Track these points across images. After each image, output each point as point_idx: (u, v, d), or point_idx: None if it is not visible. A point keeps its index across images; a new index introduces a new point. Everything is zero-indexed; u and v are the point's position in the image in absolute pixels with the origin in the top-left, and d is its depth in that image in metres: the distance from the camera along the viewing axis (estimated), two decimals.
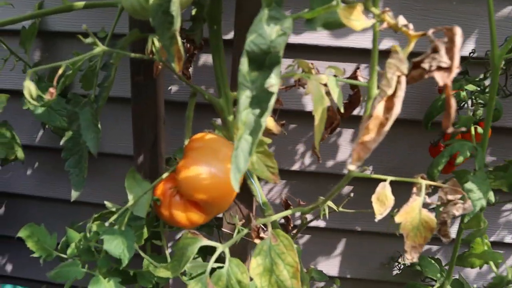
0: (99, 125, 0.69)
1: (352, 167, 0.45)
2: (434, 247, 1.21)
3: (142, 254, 0.74)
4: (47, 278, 1.41)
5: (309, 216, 0.85)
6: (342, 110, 0.53)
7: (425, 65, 0.40)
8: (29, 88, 0.51)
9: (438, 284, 0.97)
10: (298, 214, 1.18)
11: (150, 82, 0.85)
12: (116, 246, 0.65)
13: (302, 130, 1.08)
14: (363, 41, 0.98)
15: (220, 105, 0.72)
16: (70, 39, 1.07)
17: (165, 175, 0.68)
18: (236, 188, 0.41)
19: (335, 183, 1.14)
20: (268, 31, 0.41)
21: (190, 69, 0.94)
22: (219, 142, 0.67)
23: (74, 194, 0.78)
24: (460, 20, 0.96)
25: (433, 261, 1.02)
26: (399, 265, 1.21)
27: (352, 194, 0.75)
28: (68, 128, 0.81)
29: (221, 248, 0.59)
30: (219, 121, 0.78)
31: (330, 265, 1.24)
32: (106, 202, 0.85)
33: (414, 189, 0.64)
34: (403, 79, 0.42)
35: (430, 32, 0.40)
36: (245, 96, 0.43)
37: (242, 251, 0.90)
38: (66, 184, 1.23)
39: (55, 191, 1.24)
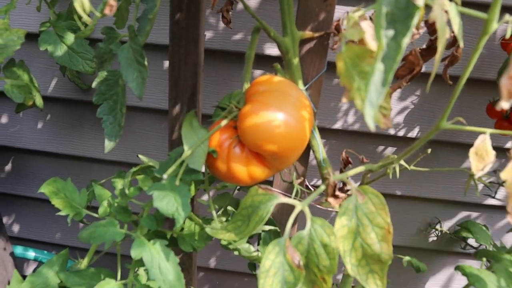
0: (146, 62, 0.59)
1: (505, 104, 0.36)
2: (474, 214, 1.14)
3: (191, 214, 0.66)
4: (57, 240, 1.34)
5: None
6: (461, 44, 0.43)
7: None
8: (82, 0, 0.40)
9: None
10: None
11: (192, 22, 0.74)
12: (168, 204, 0.56)
13: None
14: None
15: (285, 45, 0.62)
16: None
17: (223, 122, 0.58)
18: (372, 126, 0.32)
19: (378, 144, 1.07)
20: None
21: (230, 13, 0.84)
22: (289, 85, 0.57)
23: (108, 145, 0.69)
24: None
25: (484, 228, 0.95)
26: (437, 232, 1.15)
27: (429, 150, 0.67)
28: (96, 71, 0.70)
29: (300, 206, 0.51)
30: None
31: None
32: (140, 156, 0.76)
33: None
34: None
35: None
36: (380, 14, 0.33)
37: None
38: (82, 139, 1.13)
39: (70, 146, 1.14)
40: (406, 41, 0.33)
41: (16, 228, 1.33)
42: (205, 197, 1.17)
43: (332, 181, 0.55)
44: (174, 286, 0.61)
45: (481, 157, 0.54)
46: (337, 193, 0.57)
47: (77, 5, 0.40)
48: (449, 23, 0.50)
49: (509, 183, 0.53)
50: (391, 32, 0.34)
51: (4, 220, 1.32)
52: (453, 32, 0.66)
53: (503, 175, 0.53)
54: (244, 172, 0.59)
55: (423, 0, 0.33)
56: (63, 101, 1.09)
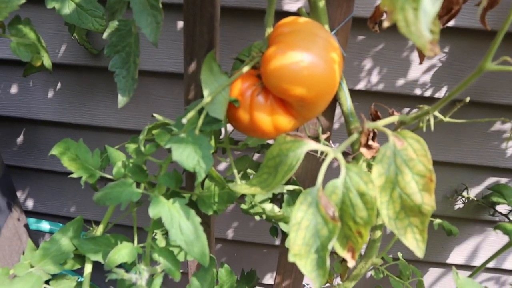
0: (160, 5, 0.54)
1: None
2: (503, 180, 1.09)
3: (212, 171, 0.62)
4: (72, 214, 1.31)
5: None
6: None
7: None
8: None
9: None
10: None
11: None
12: (188, 157, 0.52)
13: (370, 42, 0.93)
14: None
15: None
16: None
17: (245, 68, 0.54)
18: (428, 35, 0.28)
19: (403, 105, 1.02)
20: None
21: None
22: (316, 25, 0.52)
23: (121, 100, 0.64)
24: None
25: None
26: (463, 199, 1.10)
27: (468, 99, 0.62)
28: (103, 29, 0.66)
29: (333, 154, 0.46)
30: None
31: None
32: (155, 115, 0.72)
33: None
34: None
35: None
36: None
37: None
38: (94, 107, 1.09)
39: (82, 115, 1.11)
40: None
41: (30, 202, 1.31)
42: (222, 166, 1.14)
43: (366, 128, 0.50)
44: (197, 246, 0.57)
45: None
46: (370, 142, 0.52)
47: None
48: None
49: None
50: None
51: (18, 194, 1.30)
52: None
53: None
54: (269, 122, 0.54)
55: None
56: (73, 68, 1.05)
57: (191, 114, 0.50)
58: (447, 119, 0.65)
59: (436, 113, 0.65)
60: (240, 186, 0.53)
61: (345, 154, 0.91)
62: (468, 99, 0.60)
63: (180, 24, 0.96)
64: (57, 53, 1.03)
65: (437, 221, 0.85)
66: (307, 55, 0.48)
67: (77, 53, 1.02)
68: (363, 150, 0.53)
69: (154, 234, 0.73)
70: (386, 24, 0.38)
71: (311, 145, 0.46)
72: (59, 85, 1.08)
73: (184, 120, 0.50)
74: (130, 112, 1.07)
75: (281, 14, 0.90)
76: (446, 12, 0.58)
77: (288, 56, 0.48)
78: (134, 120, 1.08)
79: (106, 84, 1.06)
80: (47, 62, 0.79)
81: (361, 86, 0.96)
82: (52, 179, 1.26)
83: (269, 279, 1.32)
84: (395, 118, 0.56)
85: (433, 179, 0.46)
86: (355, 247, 0.48)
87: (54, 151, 0.70)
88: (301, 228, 0.44)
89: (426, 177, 0.46)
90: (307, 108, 0.53)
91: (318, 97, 0.51)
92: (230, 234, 1.23)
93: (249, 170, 0.78)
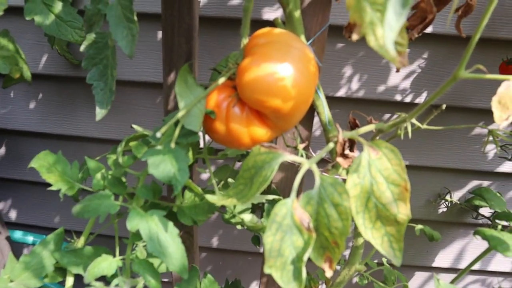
0: (135, 17, 0.54)
1: None
2: (485, 182, 1.10)
3: (190, 183, 0.62)
4: (55, 225, 1.30)
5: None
6: None
7: None
8: None
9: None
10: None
11: None
12: (164, 170, 0.51)
13: (350, 50, 0.93)
14: None
15: None
16: None
17: (221, 80, 0.54)
18: (392, 52, 0.28)
19: (383, 111, 1.02)
20: None
21: None
22: (291, 36, 0.53)
23: (99, 113, 0.64)
24: None
25: (498, 194, 0.91)
26: (446, 203, 1.11)
27: (444, 106, 0.62)
28: (83, 40, 0.66)
29: (307, 164, 0.46)
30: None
31: None
32: (134, 126, 0.71)
33: None
34: None
35: None
36: None
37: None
38: (76, 118, 1.08)
39: (63, 126, 1.10)
40: None
41: (13, 213, 1.29)
42: (204, 175, 1.13)
43: (342, 138, 0.50)
44: (175, 259, 0.57)
45: (504, 105, 0.50)
46: (346, 152, 0.53)
47: None
48: None
49: None
50: None
51: (1, 205, 1.28)
52: None
53: None
54: (245, 134, 0.54)
55: None
56: (54, 78, 1.04)
57: (165, 128, 0.49)
58: (424, 126, 0.65)
59: (414, 121, 0.66)
60: (217, 198, 0.53)
61: (325, 162, 0.91)
62: (444, 106, 0.61)
63: (160, 34, 0.96)
64: (38, 64, 1.02)
65: (419, 226, 0.86)
66: (282, 67, 0.49)
67: (58, 64, 1.01)
68: (339, 159, 0.53)
69: (134, 246, 0.73)
70: (355, 37, 0.38)
71: (286, 156, 0.46)
72: (40, 95, 1.08)
73: (159, 134, 0.50)
74: (111, 122, 1.07)
75: (260, 23, 0.91)
76: (420, 21, 0.59)
77: (262, 67, 0.49)
78: (115, 130, 1.07)
79: (87, 94, 1.06)
80: (26, 73, 0.78)
81: (341, 93, 0.96)
82: (35, 190, 1.25)
83: (255, 287, 1.32)
84: (371, 126, 0.56)
85: (408, 188, 0.46)
86: (332, 257, 0.48)
87: (34, 163, 0.70)
88: (276, 239, 0.44)
89: (401, 186, 0.46)
90: (283, 119, 0.53)
91: (293, 109, 0.51)
92: (214, 242, 1.23)
93: (230, 180, 0.78)
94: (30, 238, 1.19)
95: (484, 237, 0.58)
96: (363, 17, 0.37)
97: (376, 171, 0.46)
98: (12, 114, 1.10)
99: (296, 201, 0.44)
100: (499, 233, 0.57)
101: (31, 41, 1.01)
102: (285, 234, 0.44)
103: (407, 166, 1.07)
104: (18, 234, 1.18)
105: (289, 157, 0.46)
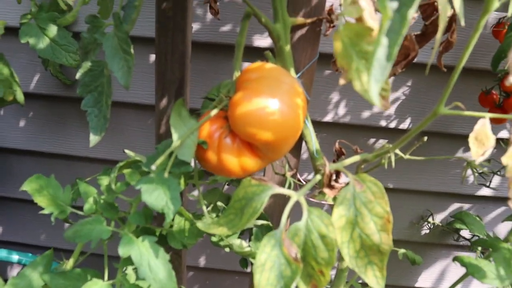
0: (132, 50, 0.56)
1: None
2: (466, 205, 1.14)
3: (181, 209, 0.63)
4: (43, 242, 1.29)
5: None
6: (462, 23, 0.42)
7: None
8: None
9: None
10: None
11: (179, 11, 0.71)
12: (157, 198, 0.53)
13: (337, 77, 0.97)
14: None
15: (277, 32, 0.59)
16: None
17: (213, 112, 0.56)
18: (378, 103, 0.31)
19: (369, 136, 1.06)
20: None
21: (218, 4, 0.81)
22: (282, 72, 0.55)
23: (93, 139, 0.66)
24: None
25: (478, 218, 0.94)
26: (429, 225, 1.14)
27: (425, 138, 0.65)
28: (80, 62, 0.67)
29: (296, 196, 0.48)
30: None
31: None
32: (126, 151, 0.73)
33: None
34: None
35: None
36: None
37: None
38: (67, 137, 1.09)
39: (54, 144, 1.10)
40: (411, 12, 0.31)
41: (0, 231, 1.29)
42: (195, 193, 1.15)
43: (328, 170, 0.53)
44: (165, 284, 0.58)
45: (481, 142, 0.53)
46: (333, 183, 0.55)
47: None
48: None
49: (509, 168, 0.52)
50: (395, 4, 0.32)
51: None
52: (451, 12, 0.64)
53: (504, 160, 0.52)
54: (236, 164, 0.56)
55: None
56: (46, 98, 1.06)
57: (160, 160, 0.51)
58: (407, 156, 0.68)
59: (397, 151, 0.69)
60: (208, 226, 0.55)
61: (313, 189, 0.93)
62: (425, 138, 0.64)
63: (153, 57, 0.98)
64: (30, 83, 1.03)
65: (401, 251, 0.88)
66: (272, 102, 0.51)
67: (50, 84, 1.02)
68: (326, 190, 0.56)
69: (124, 269, 0.74)
70: (341, 82, 0.41)
71: (275, 189, 0.48)
72: (31, 114, 1.08)
73: (153, 167, 0.52)
74: (103, 141, 1.07)
75: (252, 49, 0.93)
76: (404, 57, 0.62)
77: (253, 102, 0.51)
78: (107, 149, 1.08)
79: (79, 114, 1.07)
80: (19, 96, 0.79)
81: (328, 118, 0.99)
82: (24, 207, 1.24)
83: None
84: (357, 157, 0.59)
85: (390, 220, 0.49)
86: (318, 285, 0.50)
87: (25, 186, 0.70)
88: (266, 269, 0.46)
89: (384, 218, 0.49)
90: (272, 151, 0.55)
91: (282, 141, 0.54)
92: (202, 262, 1.24)
93: (219, 203, 0.80)
94: (15, 257, 1.18)
95: (463, 264, 0.60)
96: (350, 64, 0.39)
97: (360, 204, 0.49)
98: (2, 132, 1.11)
99: (284, 233, 0.47)
100: (477, 260, 0.60)
101: (24, 60, 1.02)
102: (274, 264, 0.46)
103: (392, 189, 1.10)
104: (3, 253, 1.17)
105: (278, 190, 0.48)
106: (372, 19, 0.39)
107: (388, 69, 0.31)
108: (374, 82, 0.31)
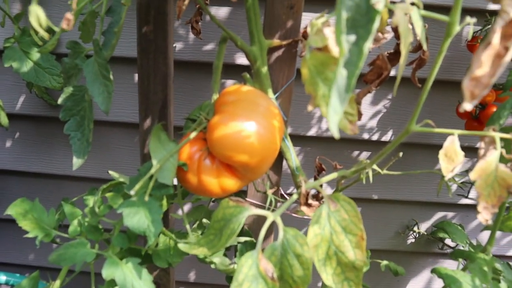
0: (111, 76, 0.57)
1: (468, 106, 0.36)
2: (450, 214, 1.16)
3: (163, 230, 0.64)
4: (30, 262, 1.29)
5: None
6: (425, 47, 0.44)
7: None
8: (37, 14, 0.38)
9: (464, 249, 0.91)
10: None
11: (160, 34, 0.73)
12: (139, 221, 0.54)
13: None
14: None
15: (253, 54, 0.61)
16: None
17: (193, 134, 0.57)
18: (336, 134, 0.32)
19: (352, 149, 1.07)
20: None
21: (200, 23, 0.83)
22: (258, 94, 0.57)
23: (76, 162, 0.67)
24: None
25: (459, 227, 0.96)
26: (415, 234, 1.16)
27: (401, 154, 0.67)
28: (63, 86, 0.69)
29: (272, 217, 0.50)
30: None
31: None
32: (111, 172, 0.74)
33: (482, 144, 0.56)
34: None
35: None
36: (340, 19, 0.33)
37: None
38: (53, 157, 1.10)
39: (40, 165, 1.11)
40: (367, 45, 0.33)
41: None
42: (180, 211, 1.16)
43: (304, 190, 0.54)
44: None
45: (450, 158, 0.55)
46: (310, 201, 0.56)
47: (32, 20, 0.38)
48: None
49: (478, 183, 0.54)
50: (352, 38, 0.34)
51: None
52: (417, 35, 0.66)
53: (472, 175, 0.54)
54: (216, 184, 0.58)
55: (383, 4, 0.33)
56: (32, 118, 1.06)
57: (138, 185, 0.53)
58: (384, 171, 0.70)
59: (374, 167, 0.71)
60: (189, 247, 0.56)
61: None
62: (401, 154, 0.66)
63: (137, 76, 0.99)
64: (16, 104, 1.04)
65: (384, 262, 0.90)
66: (248, 125, 0.53)
67: (36, 104, 1.03)
68: (304, 208, 0.57)
69: None
70: (310, 108, 0.43)
71: (252, 210, 0.50)
72: (17, 134, 1.09)
73: (132, 192, 0.53)
74: (89, 161, 1.09)
75: (234, 66, 0.95)
76: (377, 76, 0.64)
77: (230, 126, 0.52)
78: (94, 168, 1.09)
79: (65, 134, 1.08)
80: (4, 120, 0.80)
81: (312, 132, 1.01)
82: (11, 227, 1.24)
83: None
84: (334, 175, 0.60)
85: (364, 238, 0.50)
86: None
87: (10, 210, 0.71)
88: None
89: (358, 236, 0.50)
90: (251, 171, 0.57)
91: (260, 162, 0.55)
92: (192, 277, 1.24)
93: (204, 220, 0.81)
94: (3, 278, 1.18)
95: (440, 275, 0.62)
96: (316, 90, 0.41)
97: (335, 222, 0.50)
98: None
99: (261, 253, 0.48)
100: (453, 271, 0.61)
101: (9, 82, 1.03)
102: (251, 283, 0.48)
103: (376, 200, 1.12)
104: None
105: (254, 211, 0.50)
106: (336, 48, 0.41)
107: (347, 100, 0.33)
108: (332, 113, 0.32)
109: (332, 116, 0.33)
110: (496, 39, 0.37)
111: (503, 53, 0.37)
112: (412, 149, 1.04)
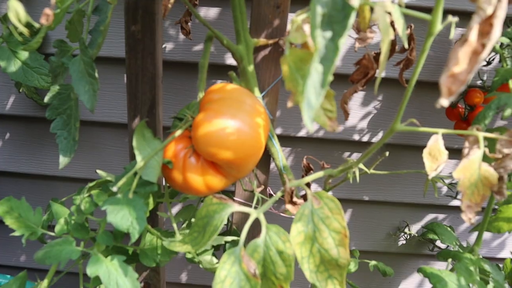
0: (96, 74, 0.57)
1: (444, 102, 0.36)
2: (441, 216, 1.16)
3: (148, 228, 0.64)
4: (22, 263, 1.29)
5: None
6: (406, 45, 0.44)
7: None
8: (16, 9, 0.38)
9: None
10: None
11: (148, 33, 0.73)
12: (122, 218, 0.54)
13: None
14: None
15: (239, 53, 0.61)
16: None
17: (178, 132, 0.57)
18: (310, 127, 0.32)
19: (343, 150, 1.08)
20: None
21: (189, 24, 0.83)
22: (243, 92, 0.57)
23: (63, 161, 0.67)
24: None
25: (449, 229, 0.96)
26: (406, 235, 1.16)
27: (387, 153, 0.67)
28: (49, 86, 0.69)
29: (255, 214, 0.50)
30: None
31: None
32: (98, 171, 0.74)
33: (466, 143, 0.57)
34: None
35: None
36: (315, 15, 0.33)
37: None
38: (44, 157, 1.10)
39: (31, 165, 1.11)
40: (343, 41, 0.33)
41: None
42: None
43: (289, 188, 0.54)
44: None
45: (434, 157, 0.55)
46: (295, 199, 0.56)
47: (11, 15, 0.38)
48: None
49: (461, 182, 0.54)
50: (328, 34, 0.34)
51: None
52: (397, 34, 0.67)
53: (456, 174, 0.54)
54: (201, 182, 0.58)
55: (358, 1, 0.33)
56: (21, 119, 1.06)
57: (121, 181, 0.53)
58: (371, 171, 0.70)
59: (361, 165, 0.71)
60: (174, 244, 0.56)
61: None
62: (387, 153, 0.66)
63: None
64: (6, 105, 1.04)
65: (372, 262, 0.90)
66: (232, 122, 0.53)
67: (26, 105, 1.03)
68: (288, 206, 0.57)
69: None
70: (289, 104, 0.43)
71: (234, 207, 0.50)
72: (7, 135, 1.09)
73: (115, 188, 0.53)
74: (80, 161, 1.08)
75: (224, 66, 0.95)
76: (363, 76, 0.64)
77: (214, 123, 0.53)
78: (84, 169, 1.09)
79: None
80: None
81: (303, 133, 1.01)
82: (4, 229, 1.24)
83: None
84: (321, 173, 0.61)
85: (347, 235, 0.50)
86: None
87: None
88: (225, 285, 0.47)
89: (341, 233, 0.50)
90: (236, 169, 0.57)
91: (244, 160, 0.55)
92: (183, 278, 1.24)
93: (193, 220, 0.80)
94: None
95: (425, 275, 0.62)
96: (296, 87, 0.41)
97: (318, 220, 0.50)
98: None
99: (243, 249, 0.48)
100: (439, 271, 0.62)
101: None
102: (234, 280, 0.48)
103: (367, 202, 1.12)
104: None
105: (237, 208, 0.50)
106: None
107: (322, 95, 0.33)
108: (307, 107, 0.32)
109: (306, 110, 0.33)
110: (473, 36, 0.37)
111: (480, 50, 0.37)
112: (402, 151, 1.05)
